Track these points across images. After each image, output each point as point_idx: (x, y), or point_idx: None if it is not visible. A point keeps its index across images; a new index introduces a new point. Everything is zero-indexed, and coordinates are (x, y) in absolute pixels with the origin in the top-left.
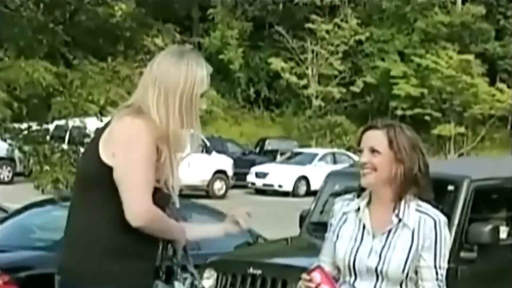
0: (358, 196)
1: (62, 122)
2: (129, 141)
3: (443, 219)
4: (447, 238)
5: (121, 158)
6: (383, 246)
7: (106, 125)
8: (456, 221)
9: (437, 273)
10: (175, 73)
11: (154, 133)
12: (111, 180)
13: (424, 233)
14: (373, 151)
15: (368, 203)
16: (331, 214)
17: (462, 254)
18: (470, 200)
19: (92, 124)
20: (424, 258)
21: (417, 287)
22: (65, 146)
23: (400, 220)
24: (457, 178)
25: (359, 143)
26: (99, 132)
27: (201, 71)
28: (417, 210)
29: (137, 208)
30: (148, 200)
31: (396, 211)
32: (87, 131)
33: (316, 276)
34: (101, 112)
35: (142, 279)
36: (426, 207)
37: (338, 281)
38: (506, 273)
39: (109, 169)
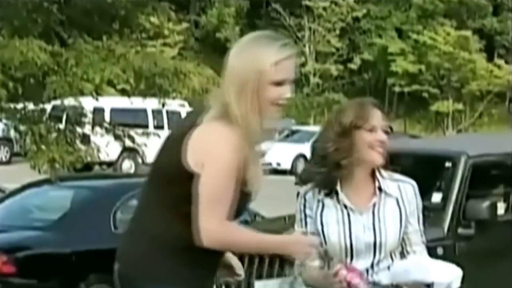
0: (327, 185)
1: (59, 102)
2: (210, 153)
3: (414, 182)
4: (421, 200)
5: (202, 170)
6: (373, 220)
7: (189, 121)
8: (453, 198)
9: (421, 235)
10: (241, 64)
11: (239, 140)
12: (190, 185)
13: (407, 199)
14: (384, 130)
15: (340, 185)
16: (303, 205)
17: (460, 230)
18: (467, 177)
19: (88, 103)
20: (411, 223)
21: (406, 253)
22: (61, 125)
23: (381, 191)
24: (454, 154)
25: (366, 121)
26: (182, 129)
27: (269, 57)
28: (391, 179)
29: (205, 226)
30: (217, 220)
31: (377, 183)
32: (84, 111)
33: (342, 273)
34: (97, 91)
35: (205, 284)
36: (396, 175)
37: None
38: (504, 249)
39: (190, 175)
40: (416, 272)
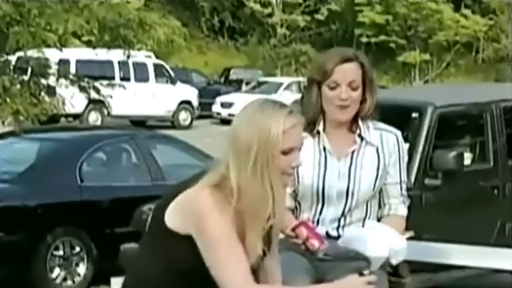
0: (312, 122)
1: (24, 53)
2: (201, 226)
3: (399, 132)
4: (406, 152)
5: (198, 239)
6: (350, 167)
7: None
8: (420, 148)
9: (401, 188)
10: (249, 136)
11: (229, 209)
12: (172, 242)
13: (388, 149)
14: (351, 86)
15: (323, 127)
16: None
17: (427, 181)
18: (434, 127)
19: (53, 55)
20: (390, 175)
21: (383, 206)
22: (26, 77)
23: (362, 139)
24: (421, 105)
25: (328, 76)
26: (178, 188)
27: (278, 126)
28: (374, 128)
29: None
30: (246, 282)
31: (358, 131)
32: (48, 62)
33: (302, 231)
34: (61, 43)
35: None
36: (380, 125)
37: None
38: (470, 199)
39: (176, 235)
40: (356, 242)
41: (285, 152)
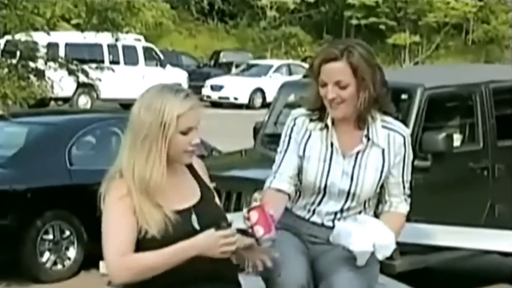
0: (319, 118)
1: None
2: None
3: (408, 132)
4: (411, 152)
5: None
6: (354, 167)
7: None
8: (409, 130)
9: (404, 187)
10: (145, 119)
11: (124, 192)
12: None
13: (394, 151)
14: (339, 85)
15: (332, 122)
16: (291, 128)
17: (416, 162)
18: (423, 109)
19: (42, 38)
20: (393, 175)
21: (383, 202)
22: (13, 60)
23: (369, 140)
24: (410, 86)
25: (317, 74)
26: None
27: (173, 110)
28: (383, 126)
29: (109, 270)
30: (116, 258)
31: (365, 132)
32: (37, 46)
33: (253, 215)
34: (49, 26)
35: None
36: (391, 122)
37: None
38: (460, 181)
39: None
40: (342, 237)
41: (183, 133)
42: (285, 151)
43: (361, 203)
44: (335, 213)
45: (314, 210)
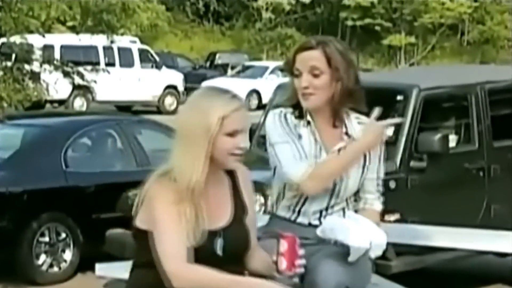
0: (300, 115)
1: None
2: (152, 212)
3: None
4: (384, 148)
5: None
6: None
7: None
8: (405, 131)
9: (377, 184)
10: (190, 121)
11: (175, 195)
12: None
13: None
14: (313, 73)
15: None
16: (283, 123)
17: (412, 163)
18: (419, 109)
19: (37, 40)
20: (369, 170)
21: (358, 198)
22: (9, 63)
23: (349, 136)
24: (406, 87)
25: (292, 64)
26: None
27: (217, 111)
28: (358, 123)
29: (170, 270)
30: (180, 263)
31: (344, 129)
32: (33, 48)
33: (283, 244)
34: (44, 28)
35: None
36: (364, 118)
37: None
38: (456, 181)
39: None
40: (338, 232)
41: (230, 134)
42: (293, 140)
43: (344, 199)
44: (321, 212)
45: (299, 211)
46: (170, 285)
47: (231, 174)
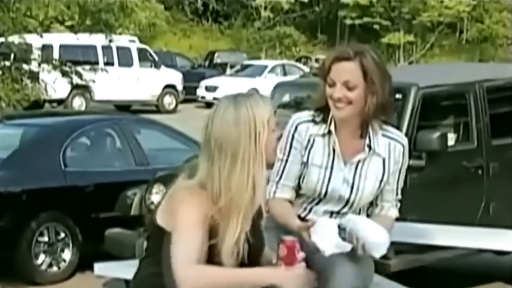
0: (323, 120)
1: (8, 39)
2: (177, 216)
3: (406, 140)
4: (407, 159)
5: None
6: (354, 176)
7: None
8: (404, 129)
9: (397, 194)
10: (230, 133)
11: (202, 204)
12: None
13: (394, 159)
14: (348, 86)
15: (335, 127)
16: (292, 134)
17: (411, 161)
18: (417, 108)
19: (36, 40)
20: (389, 183)
21: (375, 206)
22: (7, 63)
23: (370, 148)
24: (404, 85)
25: (327, 73)
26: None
27: (263, 116)
28: (383, 135)
29: (181, 274)
30: (191, 265)
31: (367, 141)
32: (32, 47)
33: (282, 249)
34: (43, 28)
35: None
36: (390, 130)
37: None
38: (455, 180)
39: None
40: (361, 229)
41: (272, 130)
42: (286, 160)
43: (358, 209)
44: (332, 213)
45: (311, 209)
46: (174, 286)
47: None
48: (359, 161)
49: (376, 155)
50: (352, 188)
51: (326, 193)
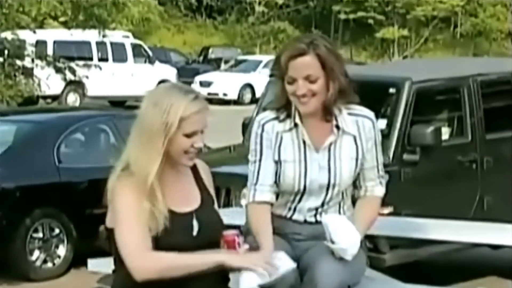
0: (287, 116)
1: (1, 35)
2: (115, 208)
3: (373, 114)
4: (380, 134)
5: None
6: (329, 160)
7: None
8: (398, 124)
9: (378, 171)
10: (151, 118)
11: (134, 189)
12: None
13: (365, 136)
14: (309, 79)
15: (300, 118)
16: (260, 135)
17: (405, 156)
18: (411, 102)
19: (30, 36)
20: (367, 160)
21: (359, 188)
22: (0, 59)
23: (339, 128)
24: (398, 80)
25: (285, 72)
26: None
27: (179, 112)
28: (349, 114)
29: (133, 265)
30: (140, 254)
31: (334, 122)
32: (24, 44)
33: (223, 246)
34: (36, 24)
35: None
36: (355, 108)
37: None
38: (449, 174)
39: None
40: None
41: (187, 135)
42: (260, 160)
43: (340, 193)
44: (316, 209)
45: (295, 208)
46: (137, 279)
47: (192, 166)
48: (330, 144)
49: (346, 134)
50: (329, 172)
51: (305, 186)
